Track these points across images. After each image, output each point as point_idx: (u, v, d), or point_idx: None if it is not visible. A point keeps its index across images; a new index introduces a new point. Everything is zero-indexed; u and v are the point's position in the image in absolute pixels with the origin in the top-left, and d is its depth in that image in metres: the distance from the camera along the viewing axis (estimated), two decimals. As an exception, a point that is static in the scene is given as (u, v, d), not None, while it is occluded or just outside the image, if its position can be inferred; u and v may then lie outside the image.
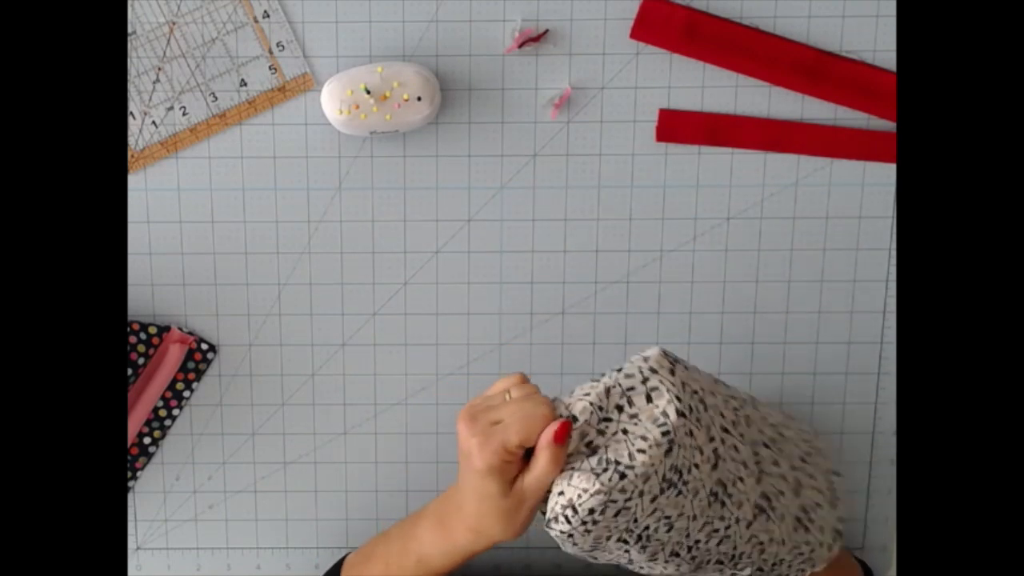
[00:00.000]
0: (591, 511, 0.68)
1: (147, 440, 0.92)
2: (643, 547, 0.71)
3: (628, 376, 0.71)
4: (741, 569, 0.75)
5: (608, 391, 0.71)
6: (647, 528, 0.70)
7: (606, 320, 0.91)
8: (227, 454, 0.93)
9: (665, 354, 0.72)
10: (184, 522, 0.95)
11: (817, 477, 0.79)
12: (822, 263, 0.90)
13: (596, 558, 0.73)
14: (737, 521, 0.73)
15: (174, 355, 0.89)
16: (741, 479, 0.73)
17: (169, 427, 0.92)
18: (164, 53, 0.86)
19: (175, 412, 0.92)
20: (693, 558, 0.73)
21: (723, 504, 0.72)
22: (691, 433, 0.70)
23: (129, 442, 0.91)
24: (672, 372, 0.71)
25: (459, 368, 0.92)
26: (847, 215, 0.89)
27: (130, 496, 0.94)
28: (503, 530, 0.73)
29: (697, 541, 0.72)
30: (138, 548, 0.95)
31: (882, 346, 0.92)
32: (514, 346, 0.91)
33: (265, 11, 0.85)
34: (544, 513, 0.72)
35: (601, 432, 0.70)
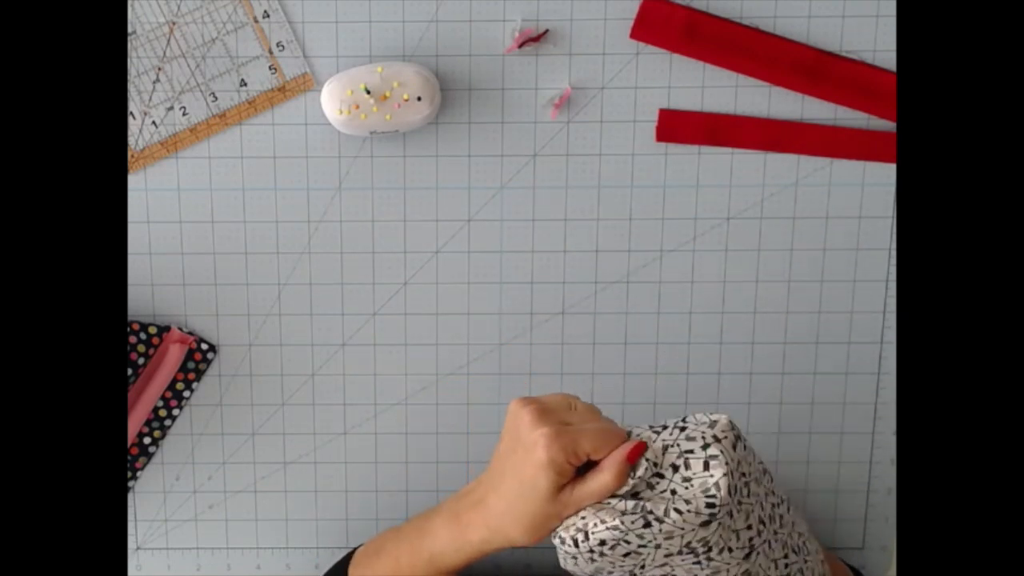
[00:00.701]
0: (602, 542, 0.67)
1: (147, 440, 0.92)
2: None
3: (690, 439, 0.69)
4: None
5: (666, 449, 0.69)
6: None
7: (606, 320, 0.91)
8: (227, 454, 0.93)
9: (732, 425, 0.70)
10: (184, 522, 0.95)
11: None
12: (822, 263, 0.90)
13: None
14: None
15: (174, 355, 0.89)
16: None
17: (169, 427, 0.92)
18: (164, 53, 0.86)
19: (175, 412, 0.92)
20: None
21: None
22: (731, 515, 0.69)
23: (129, 442, 0.91)
24: (734, 447, 0.69)
25: (459, 368, 0.92)
26: (847, 215, 0.89)
27: (130, 496, 0.94)
28: (527, 534, 0.71)
29: None
30: (138, 548, 0.95)
31: (882, 346, 0.91)
32: (514, 346, 0.91)
33: (265, 11, 0.85)
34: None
35: (651, 486, 0.69)
